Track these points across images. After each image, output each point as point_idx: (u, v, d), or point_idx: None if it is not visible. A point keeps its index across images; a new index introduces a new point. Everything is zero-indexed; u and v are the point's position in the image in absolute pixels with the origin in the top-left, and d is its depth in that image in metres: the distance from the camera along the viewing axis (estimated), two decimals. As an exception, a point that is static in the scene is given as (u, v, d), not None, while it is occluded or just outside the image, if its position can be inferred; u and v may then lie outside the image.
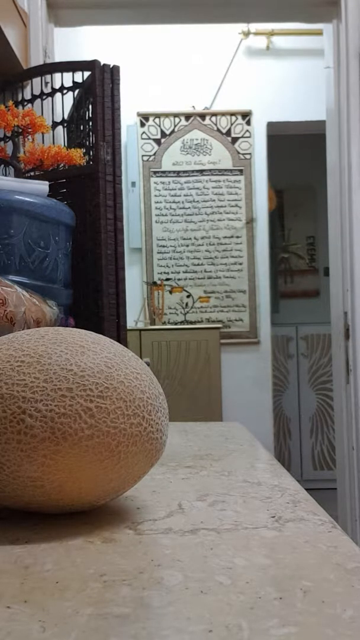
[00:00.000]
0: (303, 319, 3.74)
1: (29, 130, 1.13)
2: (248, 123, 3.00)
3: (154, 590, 0.34)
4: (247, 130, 3.00)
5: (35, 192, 0.97)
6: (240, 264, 2.98)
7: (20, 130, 1.13)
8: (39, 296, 0.79)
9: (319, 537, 0.43)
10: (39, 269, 0.94)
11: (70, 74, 1.31)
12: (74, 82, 1.30)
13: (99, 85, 1.21)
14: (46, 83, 1.52)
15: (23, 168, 1.13)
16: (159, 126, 3.00)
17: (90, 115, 1.25)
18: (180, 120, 3.00)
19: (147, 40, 2.88)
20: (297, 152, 3.80)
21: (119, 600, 0.33)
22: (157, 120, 3.00)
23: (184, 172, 3.00)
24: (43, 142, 1.32)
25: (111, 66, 1.23)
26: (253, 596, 0.33)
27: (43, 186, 1.00)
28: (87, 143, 1.27)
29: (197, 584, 0.35)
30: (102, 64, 1.23)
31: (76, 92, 1.34)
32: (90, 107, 1.25)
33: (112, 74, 1.23)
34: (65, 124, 1.39)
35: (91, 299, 1.24)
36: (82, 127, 1.32)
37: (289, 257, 4.12)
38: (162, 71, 2.93)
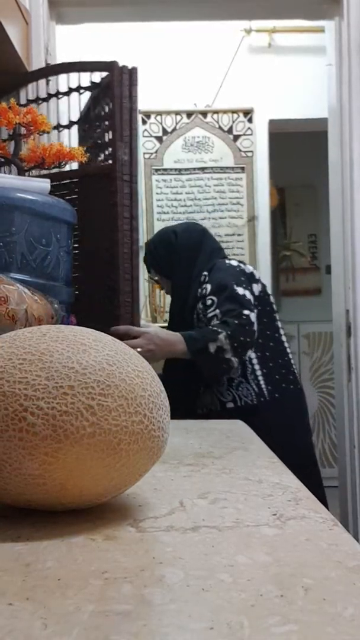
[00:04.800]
0: (305, 317, 3.74)
1: (31, 128, 1.13)
2: (250, 121, 3.00)
3: (155, 587, 0.34)
4: (249, 128, 3.00)
5: (37, 190, 0.97)
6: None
7: (22, 128, 1.13)
8: (41, 294, 0.79)
9: (320, 535, 0.43)
10: (40, 267, 0.94)
11: (72, 73, 1.31)
12: (91, 82, 1.30)
13: (117, 86, 1.21)
14: (48, 81, 1.51)
15: (24, 166, 1.13)
16: (161, 124, 3.00)
17: (105, 115, 1.25)
18: (182, 117, 3.00)
19: (149, 37, 2.87)
20: (299, 149, 3.79)
21: (121, 597, 0.33)
22: (158, 117, 3.00)
23: (186, 169, 3.00)
24: (58, 141, 1.32)
25: (130, 67, 1.24)
26: (254, 594, 0.33)
27: (44, 184, 1.00)
28: (101, 142, 1.28)
29: (198, 581, 0.35)
30: (120, 65, 1.23)
31: (83, 92, 1.33)
32: (105, 107, 1.25)
33: (130, 75, 1.23)
34: (77, 124, 1.39)
35: (106, 297, 1.24)
36: (95, 127, 1.33)
37: (291, 255, 4.11)
38: (164, 69, 2.92)
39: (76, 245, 1.28)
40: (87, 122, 1.37)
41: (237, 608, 0.31)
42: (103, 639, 0.28)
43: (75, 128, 1.40)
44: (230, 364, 1.38)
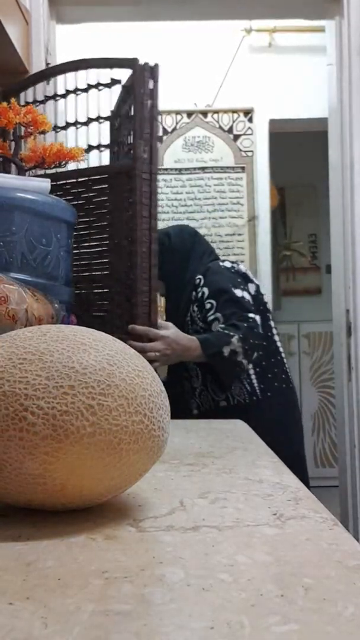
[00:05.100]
0: (305, 317, 3.74)
1: (31, 127, 1.13)
2: (250, 120, 3.00)
3: (155, 587, 0.34)
4: (249, 128, 3.00)
5: (37, 190, 0.97)
6: (242, 262, 2.98)
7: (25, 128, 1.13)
8: (41, 294, 0.79)
9: (320, 534, 0.43)
10: (40, 267, 0.94)
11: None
12: (112, 79, 1.30)
13: (139, 83, 1.21)
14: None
15: (24, 165, 1.13)
16: (161, 123, 2.99)
17: (128, 114, 1.26)
18: (182, 117, 3.00)
19: (149, 37, 2.87)
20: (299, 149, 3.79)
21: (121, 597, 0.33)
22: (158, 117, 3.00)
23: (186, 169, 3.00)
24: (87, 137, 1.33)
25: (151, 65, 1.23)
26: (254, 593, 0.33)
27: (44, 184, 1.00)
28: (127, 141, 1.28)
29: (198, 581, 0.35)
30: (142, 62, 1.23)
31: (102, 88, 1.33)
32: (131, 105, 1.26)
33: (151, 72, 1.23)
34: (108, 119, 1.39)
35: (123, 297, 1.24)
36: (122, 125, 1.33)
37: (291, 254, 4.11)
38: (164, 68, 2.91)
39: (96, 243, 1.29)
40: (116, 120, 1.38)
41: (237, 608, 0.31)
42: (103, 638, 0.28)
43: (94, 125, 1.40)
44: (242, 367, 1.39)
